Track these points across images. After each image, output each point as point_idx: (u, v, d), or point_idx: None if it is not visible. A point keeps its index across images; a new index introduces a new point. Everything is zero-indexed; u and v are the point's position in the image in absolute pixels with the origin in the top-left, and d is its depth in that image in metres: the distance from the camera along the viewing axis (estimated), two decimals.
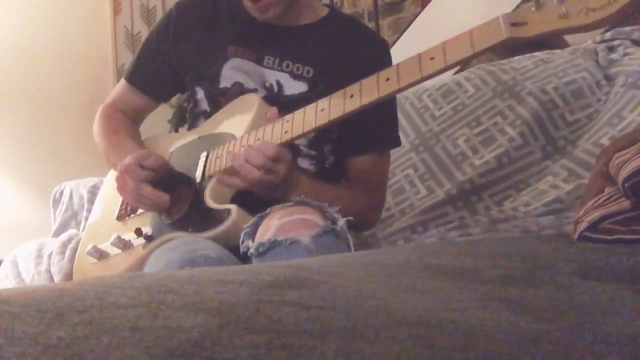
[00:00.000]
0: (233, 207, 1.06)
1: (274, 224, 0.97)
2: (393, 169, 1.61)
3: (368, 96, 0.99)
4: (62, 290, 0.43)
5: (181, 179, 1.19)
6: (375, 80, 0.98)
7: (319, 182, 1.19)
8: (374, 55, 1.26)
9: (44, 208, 2.17)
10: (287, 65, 1.23)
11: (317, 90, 1.20)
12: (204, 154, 1.19)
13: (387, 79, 0.95)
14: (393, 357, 0.36)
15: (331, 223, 0.98)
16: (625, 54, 1.64)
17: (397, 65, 0.96)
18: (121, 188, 1.18)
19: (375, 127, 1.26)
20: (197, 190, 1.15)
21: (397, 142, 1.36)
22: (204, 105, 1.29)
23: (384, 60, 1.27)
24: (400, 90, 0.95)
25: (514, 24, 0.82)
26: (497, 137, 1.53)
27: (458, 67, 0.94)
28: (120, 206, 1.30)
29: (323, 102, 1.03)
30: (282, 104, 1.20)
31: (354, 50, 1.25)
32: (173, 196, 1.17)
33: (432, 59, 0.90)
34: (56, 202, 1.95)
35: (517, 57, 1.73)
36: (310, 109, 1.05)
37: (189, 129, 1.35)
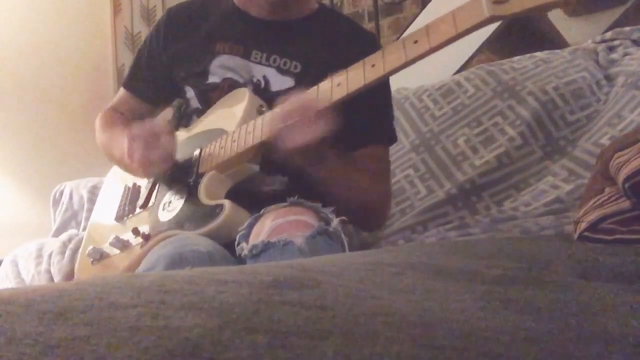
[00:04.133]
0: (226, 202, 1.06)
1: (267, 225, 0.97)
2: (393, 169, 1.60)
3: (355, 84, 0.98)
4: (62, 290, 0.43)
5: (180, 174, 1.20)
6: (362, 67, 0.97)
7: (345, 159, 1.17)
8: (363, 49, 1.25)
9: (44, 208, 2.17)
10: (275, 60, 1.23)
11: (303, 87, 1.20)
12: (197, 151, 1.19)
13: (373, 65, 0.95)
14: (393, 357, 0.36)
15: (325, 224, 0.98)
16: (625, 54, 1.64)
17: (382, 51, 0.95)
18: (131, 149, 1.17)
19: (370, 122, 1.25)
20: (191, 188, 1.15)
21: (393, 138, 1.33)
22: (195, 104, 1.30)
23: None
24: (386, 75, 0.95)
25: (496, 2, 0.81)
26: (497, 137, 1.53)
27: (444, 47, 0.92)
28: (119, 207, 1.31)
29: (310, 92, 1.03)
30: (269, 100, 1.20)
31: (342, 45, 1.24)
32: (172, 192, 1.18)
33: (415, 42, 0.90)
34: (56, 202, 1.95)
35: (517, 57, 1.73)
36: None
37: (185, 127, 1.35)
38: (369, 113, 1.23)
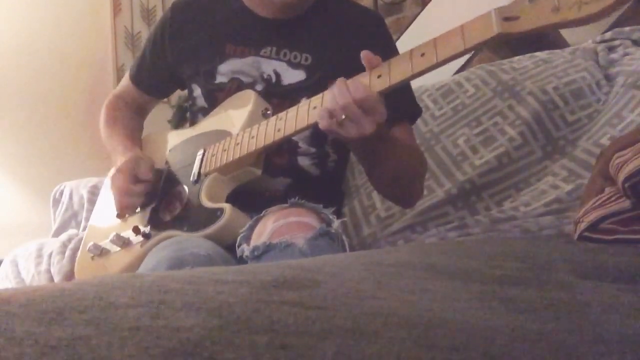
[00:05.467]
0: (227, 206, 1.07)
1: (269, 227, 0.97)
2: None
3: None
4: (62, 290, 0.43)
5: (183, 174, 1.20)
6: (367, 77, 0.97)
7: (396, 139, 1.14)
8: (371, 32, 1.25)
9: (44, 208, 2.16)
10: (285, 54, 1.23)
11: (315, 79, 1.19)
12: (201, 152, 1.19)
13: (379, 76, 0.95)
14: (393, 357, 0.36)
15: (326, 225, 0.98)
16: (625, 54, 1.64)
17: (389, 62, 0.95)
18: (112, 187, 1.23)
19: (391, 102, 1.22)
20: (192, 189, 1.15)
21: (416, 114, 1.31)
22: (201, 102, 1.30)
23: (382, 35, 1.27)
24: (391, 87, 0.94)
25: (506, 19, 0.81)
26: (497, 137, 1.53)
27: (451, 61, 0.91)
28: None
29: (316, 100, 1.02)
30: (281, 94, 1.19)
31: (350, 31, 1.23)
32: (169, 195, 1.18)
33: (422, 55, 0.89)
34: (56, 202, 1.95)
35: (517, 57, 1.73)
36: (303, 106, 1.04)
37: (190, 126, 1.36)
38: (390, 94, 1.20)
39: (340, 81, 0.95)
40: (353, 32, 1.23)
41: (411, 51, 0.92)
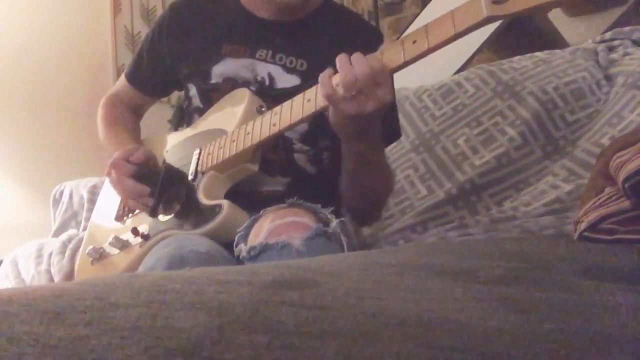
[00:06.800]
0: (225, 202, 1.07)
1: (266, 227, 0.97)
2: (393, 169, 1.60)
3: None
4: (62, 290, 0.43)
5: (175, 176, 1.20)
6: None
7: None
8: (367, 44, 1.25)
9: (44, 208, 2.16)
10: (280, 59, 1.23)
11: (309, 85, 1.19)
12: (197, 150, 1.19)
13: None
14: (393, 357, 0.36)
15: (323, 225, 0.98)
16: (625, 54, 1.64)
17: (381, 51, 0.95)
18: (110, 181, 1.22)
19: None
20: (190, 188, 1.15)
21: (393, 136, 1.32)
22: (197, 102, 1.30)
23: (378, 49, 1.27)
24: None
25: (495, 2, 0.82)
26: (497, 137, 1.53)
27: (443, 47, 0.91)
28: (118, 207, 1.31)
29: (310, 92, 1.02)
30: (274, 97, 1.19)
31: (347, 40, 1.23)
32: (167, 194, 1.18)
33: (414, 42, 0.90)
34: (56, 202, 1.95)
35: (517, 57, 1.73)
36: (297, 99, 1.04)
37: (186, 126, 1.36)
38: None
39: (356, 54, 0.94)
40: (351, 43, 1.22)
41: (403, 39, 0.92)
